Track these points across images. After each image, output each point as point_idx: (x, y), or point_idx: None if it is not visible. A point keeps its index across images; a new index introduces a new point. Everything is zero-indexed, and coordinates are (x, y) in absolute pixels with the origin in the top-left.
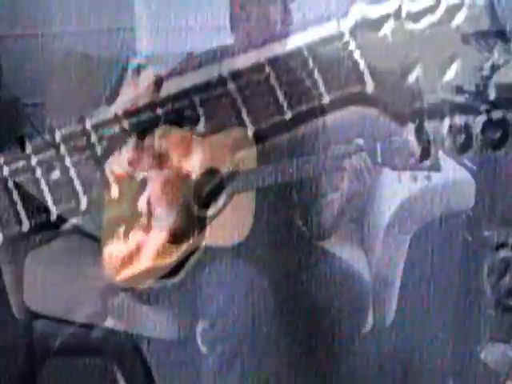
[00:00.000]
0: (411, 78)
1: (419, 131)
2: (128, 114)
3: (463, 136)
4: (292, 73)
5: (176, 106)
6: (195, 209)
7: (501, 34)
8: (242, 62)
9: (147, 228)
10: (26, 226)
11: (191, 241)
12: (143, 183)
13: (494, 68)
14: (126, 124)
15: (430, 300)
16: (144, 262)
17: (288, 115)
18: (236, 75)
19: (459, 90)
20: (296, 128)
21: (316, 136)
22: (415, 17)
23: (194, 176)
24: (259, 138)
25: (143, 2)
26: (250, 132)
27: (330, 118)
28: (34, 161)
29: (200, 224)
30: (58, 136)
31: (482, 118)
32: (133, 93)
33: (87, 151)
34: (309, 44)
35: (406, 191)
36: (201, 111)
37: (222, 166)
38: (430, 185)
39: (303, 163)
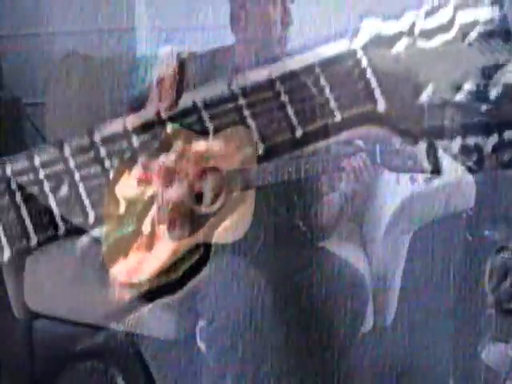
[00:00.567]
0: (423, 97)
1: (430, 150)
2: (138, 129)
3: (474, 156)
4: (303, 90)
5: (185, 122)
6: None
7: (504, 34)
8: (253, 77)
9: (149, 247)
10: (33, 241)
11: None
12: (150, 202)
13: (496, 67)
14: (135, 140)
15: (430, 300)
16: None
17: (299, 133)
18: (246, 91)
19: (459, 89)
20: (306, 146)
21: None
22: (429, 34)
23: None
24: (268, 155)
25: (144, 2)
26: (260, 150)
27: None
28: (41, 174)
29: (199, 221)
30: (66, 149)
31: (493, 139)
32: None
33: (96, 165)
34: (320, 61)
35: (406, 191)
36: (210, 127)
37: (223, 164)
38: (431, 185)
39: (303, 163)
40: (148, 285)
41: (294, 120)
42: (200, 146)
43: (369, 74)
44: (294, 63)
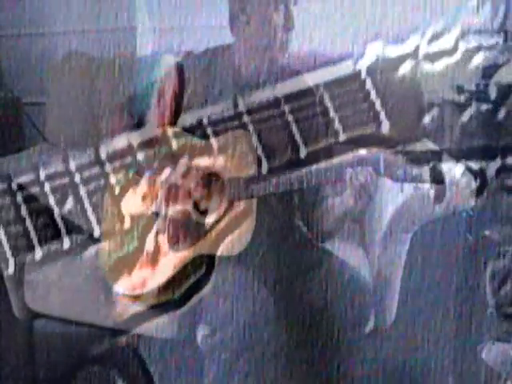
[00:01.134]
0: (427, 119)
1: (434, 173)
2: (142, 144)
3: (478, 180)
4: (308, 110)
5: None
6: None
7: (499, 28)
8: (259, 96)
9: (153, 263)
10: (38, 254)
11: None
12: (154, 217)
13: (495, 67)
14: (140, 155)
15: (430, 300)
16: (150, 297)
17: (303, 153)
18: (252, 110)
19: (460, 89)
20: (310, 165)
21: None
22: (433, 58)
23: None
24: (273, 173)
25: (144, 1)
26: (265, 168)
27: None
28: (47, 187)
29: (200, 231)
30: (72, 165)
31: (496, 163)
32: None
33: (101, 180)
34: (326, 82)
35: (406, 191)
36: (215, 143)
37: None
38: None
39: (306, 173)
40: (152, 301)
41: (299, 139)
42: (205, 162)
43: (373, 95)
44: (299, 83)
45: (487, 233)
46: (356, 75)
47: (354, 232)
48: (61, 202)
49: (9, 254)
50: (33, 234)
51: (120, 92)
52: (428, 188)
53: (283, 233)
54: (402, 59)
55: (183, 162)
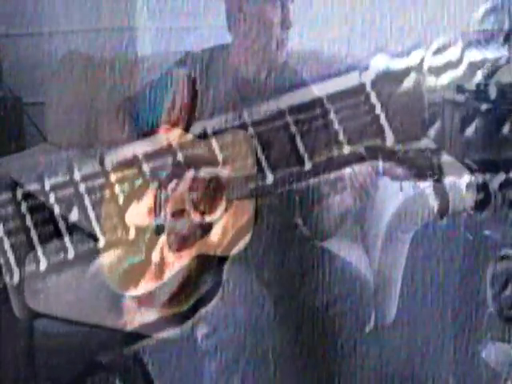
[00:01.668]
0: (431, 133)
1: (438, 186)
2: (148, 156)
3: (481, 193)
4: (313, 123)
5: (195, 150)
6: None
7: (504, 40)
8: (265, 107)
9: (159, 276)
10: (43, 265)
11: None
12: (159, 231)
13: (496, 67)
14: (146, 167)
15: (431, 299)
16: (155, 310)
17: (308, 166)
18: (256, 122)
19: (460, 89)
20: (314, 178)
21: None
22: (437, 71)
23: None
24: (277, 186)
25: (144, 1)
26: (269, 181)
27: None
28: (52, 198)
29: (200, 230)
30: (76, 175)
31: (500, 177)
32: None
33: (106, 191)
34: (330, 95)
35: (407, 191)
36: (219, 156)
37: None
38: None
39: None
40: (159, 314)
41: (303, 151)
42: (210, 173)
43: (377, 108)
44: (303, 95)
45: (487, 232)
46: (361, 88)
47: (355, 232)
48: (66, 213)
49: (13, 264)
50: (37, 245)
51: (120, 92)
52: (429, 186)
53: (283, 232)
54: (406, 72)
55: (189, 174)
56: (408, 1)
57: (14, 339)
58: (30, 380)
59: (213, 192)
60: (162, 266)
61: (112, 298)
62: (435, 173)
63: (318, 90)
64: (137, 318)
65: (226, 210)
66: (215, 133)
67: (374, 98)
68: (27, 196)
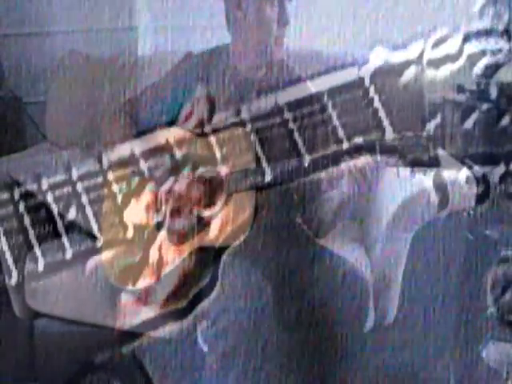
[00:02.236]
0: (430, 126)
1: (437, 180)
2: (146, 154)
3: (481, 186)
4: (311, 118)
5: (194, 147)
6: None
7: (503, 32)
8: (263, 104)
9: (157, 274)
10: (41, 266)
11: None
12: (158, 228)
13: (496, 66)
14: (143, 165)
15: (431, 299)
16: (154, 307)
17: (306, 161)
18: (255, 118)
19: (460, 88)
20: (313, 174)
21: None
22: (437, 64)
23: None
24: (276, 182)
25: (144, 1)
26: (268, 177)
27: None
28: (49, 197)
29: (199, 224)
30: (74, 173)
31: (500, 169)
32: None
33: (103, 189)
34: (329, 89)
35: (407, 189)
36: (218, 153)
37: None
38: (431, 183)
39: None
40: (158, 311)
41: (302, 147)
42: (209, 172)
43: (377, 102)
44: (302, 91)
45: (487, 232)
46: (359, 82)
47: (355, 230)
48: (63, 212)
49: (11, 265)
50: (35, 244)
51: (120, 92)
52: (429, 185)
53: (282, 226)
54: (405, 65)
55: (188, 172)
56: None
57: (15, 339)
58: (30, 379)
59: (212, 187)
60: (160, 262)
61: (111, 297)
62: (432, 160)
63: (317, 86)
64: (136, 315)
65: (226, 203)
66: (214, 130)
67: (372, 92)
68: (25, 195)
